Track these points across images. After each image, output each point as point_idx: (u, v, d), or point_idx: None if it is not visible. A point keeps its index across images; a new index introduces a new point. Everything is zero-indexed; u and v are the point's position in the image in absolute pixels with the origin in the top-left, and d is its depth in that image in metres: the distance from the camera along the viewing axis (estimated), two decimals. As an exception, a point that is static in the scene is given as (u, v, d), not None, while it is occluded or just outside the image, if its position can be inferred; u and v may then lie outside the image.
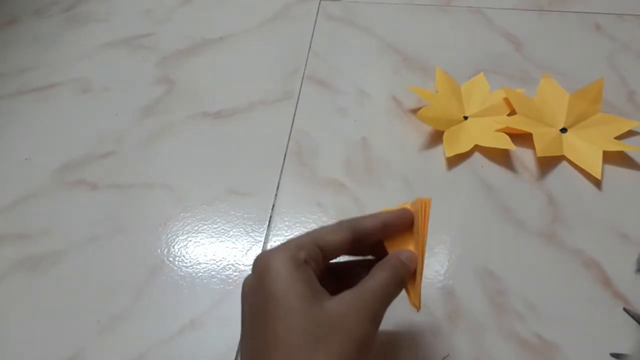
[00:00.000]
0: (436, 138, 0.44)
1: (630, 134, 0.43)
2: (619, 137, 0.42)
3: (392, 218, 0.29)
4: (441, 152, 0.43)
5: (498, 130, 0.43)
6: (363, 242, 0.28)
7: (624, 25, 0.52)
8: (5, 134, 0.48)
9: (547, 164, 0.42)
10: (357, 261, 0.31)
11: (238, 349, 0.34)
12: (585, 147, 0.42)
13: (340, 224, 0.28)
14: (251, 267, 0.27)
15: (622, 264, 0.36)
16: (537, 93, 0.46)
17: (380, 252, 0.30)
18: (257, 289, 0.25)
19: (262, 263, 0.26)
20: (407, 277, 0.28)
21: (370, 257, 0.31)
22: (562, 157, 0.42)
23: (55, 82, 0.52)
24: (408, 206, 0.30)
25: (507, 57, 0.50)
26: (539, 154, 0.41)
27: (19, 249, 0.40)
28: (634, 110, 0.45)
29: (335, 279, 0.28)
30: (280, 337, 0.23)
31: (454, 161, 0.42)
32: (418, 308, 0.28)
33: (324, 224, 0.39)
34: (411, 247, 0.29)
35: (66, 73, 0.53)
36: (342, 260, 0.30)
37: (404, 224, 0.29)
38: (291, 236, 0.39)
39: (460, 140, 0.43)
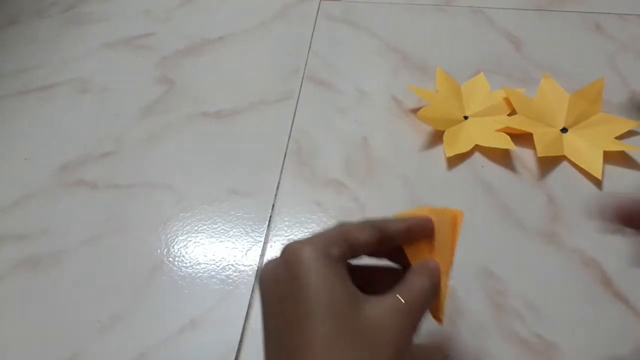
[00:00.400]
0: (436, 138, 0.44)
1: (630, 134, 0.43)
2: (620, 137, 0.42)
3: (416, 225, 0.28)
4: (441, 152, 0.43)
5: (498, 130, 0.43)
6: (385, 244, 0.27)
7: (625, 25, 0.52)
8: (5, 134, 0.48)
9: (548, 164, 0.42)
10: (381, 267, 0.30)
11: (238, 348, 0.34)
12: (586, 147, 0.42)
13: (367, 222, 0.27)
14: (280, 255, 0.25)
15: (622, 264, 0.36)
16: (538, 93, 0.46)
17: (396, 258, 0.29)
18: (288, 282, 0.24)
19: (294, 255, 0.24)
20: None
21: (393, 264, 0.30)
22: (562, 157, 0.42)
23: (55, 82, 0.52)
24: (427, 211, 0.29)
25: (508, 57, 0.50)
26: (540, 154, 0.41)
27: (19, 249, 0.40)
28: (634, 111, 0.45)
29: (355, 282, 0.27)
30: (314, 338, 0.22)
31: (454, 161, 0.42)
32: (442, 322, 0.28)
33: (324, 224, 0.39)
34: (433, 257, 0.28)
35: (66, 73, 0.53)
36: (364, 264, 0.29)
37: (425, 233, 0.29)
38: (291, 236, 0.39)
39: (460, 140, 0.43)
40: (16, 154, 0.47)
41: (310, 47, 0.53)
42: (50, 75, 0.53)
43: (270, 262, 0.26)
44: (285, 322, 0.24)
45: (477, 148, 0.43)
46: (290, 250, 0.25)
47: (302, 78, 0.50)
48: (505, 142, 0.42)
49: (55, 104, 0.51)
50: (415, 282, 0.26)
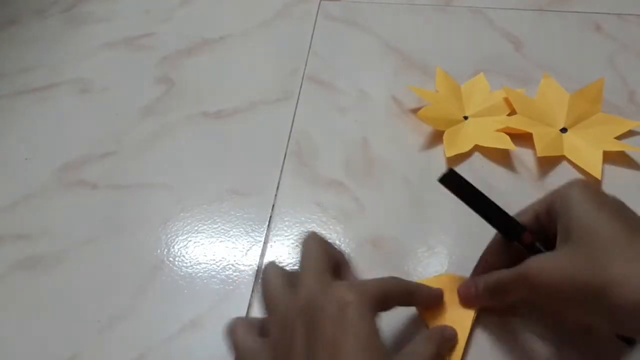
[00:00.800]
0: (436, 138, 0.44)
1: (630, 133, 0.43)
2: (619, 137, 0.42)
3: (433, 296, 0.33)
4: (441, 152, 0.43)
5: (498, 130, 0.43)
6: (406, 304, 0.32)
7: (625, 26, 0.52)
8: (5, 134, 0.48)
9: (547, 163, 0.42)
10: None
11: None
12: (586, 147, 0.42)
13: (400, 282, 0.30)
14: (327, 291, 0.27)
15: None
16: (538, 93, 0.46)
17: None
18: (334, 322, 0.25)
19: (345, 298, 0.26)
20: (446, 355, 0.31)
21: None
22: (562, 157, 0.42)
23: (55, 82, 0.52)
24: (445, 279, 0.35)
25: (507, 57, 0.50)
26: (540, 154, 0.41)
27: (19, 249, 0.40)
28: (634, 110, 0.45)
29: None
30: None
31: (454, 161, 0.42)
32: None
33: (324, 224, 0.39)
34: (447, 321, 0.32)
35: (66, 73, 0.53)
36: None
37: (436, 304, 0.33)
38: (291, 236, 0.39)
39: (460, 140, 0.43)
40: (16, 154, 0.47)
41: (310, 47, 0.53)
42: (50, 75, 0.53)
43: (315, 297, 0.27)
44: (322, 350, 0.25)
45: (477, 148, 0.43)
46: (341, 293, 0.26)
47: (302, 78, 0.50)
48: (505, 142, 0.42)
49: (55, 104, 0.51)
50: (423, 349, 0.29)
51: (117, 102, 0.50)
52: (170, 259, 0.38)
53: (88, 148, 0.46)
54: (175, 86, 0.51)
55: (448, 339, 0.31)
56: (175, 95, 0.50)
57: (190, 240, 0.39)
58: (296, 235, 0.39)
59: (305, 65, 0.51)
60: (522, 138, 0.42)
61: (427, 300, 0.33)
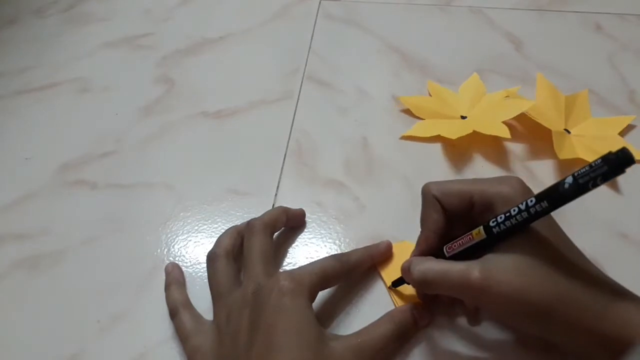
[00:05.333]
0: (436, 138, 0.44)
1: (629, 128, 0.43)
2: (621, 134, 0.42)
3: (375, 249, 0.35)
4: (441, 152, 0.43)
5: (506, 122, 0.41)
6: (352, 272, 0.34)
7: (625, 26, 0.52)
8: (5, 134, 0.48)
9: (548, 164, 0.41)
10: None
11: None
12: (586, 148, 0.42)
13: (334, 260, 0.33)
14: (273, 285, 0.30)
15: (622, 264, 0.36)
16: (537, 94, 0.46)
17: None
18: (276, 314, 0.29)
19: (287, 289, 0.29)
20: (412, 331, 0.32)
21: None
22: (577, 159, 0.41)
23: (55, 82, 0.52)
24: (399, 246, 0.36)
25: (507, 57, 0.50)
26: (561, 157, 0.40)
27: (19, 249, 0.40)
28: (634, 110, 0.45)
29: None
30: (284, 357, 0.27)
31: (455, 161, 0.42)
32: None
33: (324, 224, 0.39)
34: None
35: (66, 73, 0.53)
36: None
37: (385, 254, 0.36)
38: (291, 236, 0.39)
39: (427, 127, 0.44)
40: (16, 154, 0.47)
41: (310, 47, 0.53)
42: (50, 75, 0.53)
43: (273, 284, 0.30)
44: (261, 334, 0.28)
45: (477, 148, 0.43)
46: (281, 283, 0.30)
47: (302, 78, 0.50)
48: (503, 131, 0.41)
49: (55, 104, 0.51)
50: (380, 327, 0.31)
51: (117, 102, 0.50)
52: (171, 258, 0.38)
53: (88, 148, 0.46)
54: (175, 86, 0.51)
55: (413, 318, 0.32)
56: (175, 95, 0.50)
57: (190, 240, 0.39)
58: (296, 235, 0.39)
59: (305, 65, 0.51)
60: (523, 137, 0.42)
61: (368, 258, 0.35)
